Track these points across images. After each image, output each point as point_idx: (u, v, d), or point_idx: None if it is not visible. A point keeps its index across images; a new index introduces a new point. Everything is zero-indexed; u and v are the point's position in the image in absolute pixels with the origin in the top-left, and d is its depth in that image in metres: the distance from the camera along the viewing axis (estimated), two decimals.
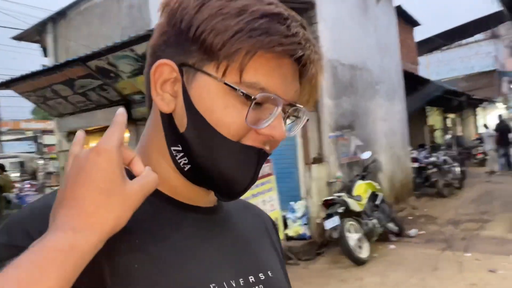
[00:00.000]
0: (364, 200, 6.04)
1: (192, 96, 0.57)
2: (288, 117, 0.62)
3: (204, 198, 0.65)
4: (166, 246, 0.57)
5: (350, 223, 5.56)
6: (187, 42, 0.56)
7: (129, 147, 0.53)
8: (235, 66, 0.54)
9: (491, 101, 22.19)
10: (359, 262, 5.36)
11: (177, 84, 0.58)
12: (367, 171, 6.75)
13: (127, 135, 4.37)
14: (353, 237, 5.45)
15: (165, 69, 0.58)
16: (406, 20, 14.23)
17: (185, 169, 0.60)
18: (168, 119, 0.59)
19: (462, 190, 10.52)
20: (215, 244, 0.63)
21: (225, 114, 0.56)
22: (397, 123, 9.56)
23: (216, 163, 0.58)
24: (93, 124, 7.17)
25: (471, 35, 20.83)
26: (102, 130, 6.86)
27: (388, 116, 9.00)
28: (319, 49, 0.59)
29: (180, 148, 0.59)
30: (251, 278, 0.64)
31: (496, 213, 7.58)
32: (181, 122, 0.58)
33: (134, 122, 6.22)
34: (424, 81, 12.36)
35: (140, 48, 5.51)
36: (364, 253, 5.54)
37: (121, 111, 0.52)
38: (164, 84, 0.59)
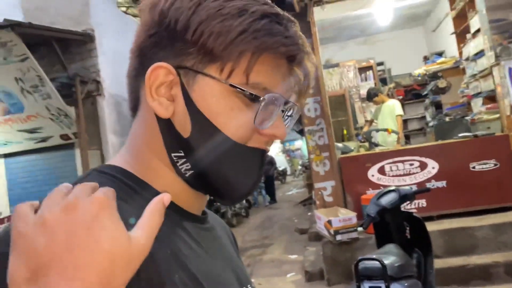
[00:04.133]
0: None
1: (194, 99, 0.54)
2: (284, 115, 0.61)
3: (199, 204, 0.63)
4: (187, 255, 0.55)
5: None
6: (184, 44, 0.54)
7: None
8: (241, 67, 0.53)
9: None
10: None
11: (174, 87, 0.55)
12: None
13: None
14: None
15: (160, 72, 0.54)
16: None
17: (187, 174, 0.57)
18: (166, 125, 0.56)
19: (249, 218, 11.39)
20: (217, 253, 0.62)
21: (232, 117, 0.54)
22: None
23: (224, 168, 0.56)
24: None
25: None
26: None
27: None
28: (309, 48, 0.58)
29: (182, 154, 0.56)
30: None
31: (276, 236, 8.41)
32: (184, 126, 0.55)
33: None
34: None
35: None
36: None
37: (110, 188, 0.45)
38: (159, 88, 0.55)
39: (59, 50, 5.60)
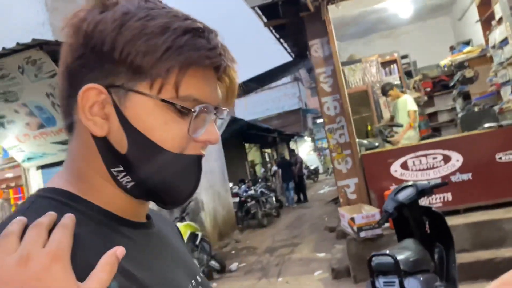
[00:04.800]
0: None
1: (128, 116, 0.56)
2: (215, 119, 0.63)
3: (143, 211, 0.66)
4: (135, 264, 0.56)
5: None
6: (112, 64, 0.56)
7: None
8: (170, 82, 0.56)
9: (299, 135, 25.18)
10: None
11: (107, 106, 0.57)
12: (186, 212, 6.80)
13: None
14: None
15: (91, 93, 0.56)
16: None
17: (128, 186, 0.59)
18: (103, 142, 0.58)
19: (280, 218, 11.44)
20: (165, 254, 0.65)
21: (166, 130, 0.57)
22: (215, 162, 9.96)
23: (164, 178, 0.59)
24: None
25: (278, 79, 23.60)
26: None
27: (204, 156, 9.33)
28: (231, 53, 0.62)
29: (121, 169, 0.58)
30: (194, 281, 0.68)
31: (305, 235, 8.43)
32: (120, 143, 0.57)
33: None
34: (237, 121, 13.28)
35: None
36: None
37: (70, 216, 0.50)
38: (91, 107, 0.57)
39: None
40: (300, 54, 9.45)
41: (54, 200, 0.57)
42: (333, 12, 6.00)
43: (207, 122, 0.60)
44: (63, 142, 6.08)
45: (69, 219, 0.49)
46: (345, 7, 5.86)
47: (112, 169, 0.59)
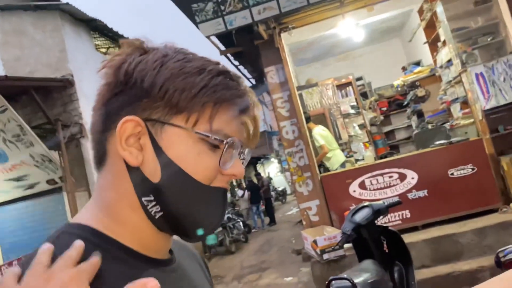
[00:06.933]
0: None
1: (163, 146, 0.60)
2: (240, 157, 0.67)
3: (166, 247, 0.67)
4: None
5: None
6: (149, 100, 0.60)
7: None
8: (205, 117, 0.61)
9: (265, 157, 25.31)
10: None
11: (143, 137, 0.61)
12: None
13: None
14: None
15: (129, 125, 0.60)
16: None
17: (156, 217, 0.61)
18: (136, 172, 0.61)
19: (248, 243, 11.34)
20: None
21: (199, 161, 0.61)
22: None
23: (192, 208, 0.62)
24: None
25: None
26: None
27: None
28: (256, 98, 0.68)
29: (152, 198, 0.61)
30: None
31: (273, 259, 8.38)
32: (153, 172, 0.60)
33: None
34: None
35: None
36: None
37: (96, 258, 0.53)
38: (128, 139, 0.60)
39: (38, 98, 5.72)
40: (261, 78, 9.59)
41: (78, 237, 0.59)
42: (288, 39, 6.15)
43: (234, 157, 0.64)
44: (17, 179, 5.86)
45: (96, 258, 0.55)
46: (299, 33, 6.03)
47: (143, 199, 0.61)
